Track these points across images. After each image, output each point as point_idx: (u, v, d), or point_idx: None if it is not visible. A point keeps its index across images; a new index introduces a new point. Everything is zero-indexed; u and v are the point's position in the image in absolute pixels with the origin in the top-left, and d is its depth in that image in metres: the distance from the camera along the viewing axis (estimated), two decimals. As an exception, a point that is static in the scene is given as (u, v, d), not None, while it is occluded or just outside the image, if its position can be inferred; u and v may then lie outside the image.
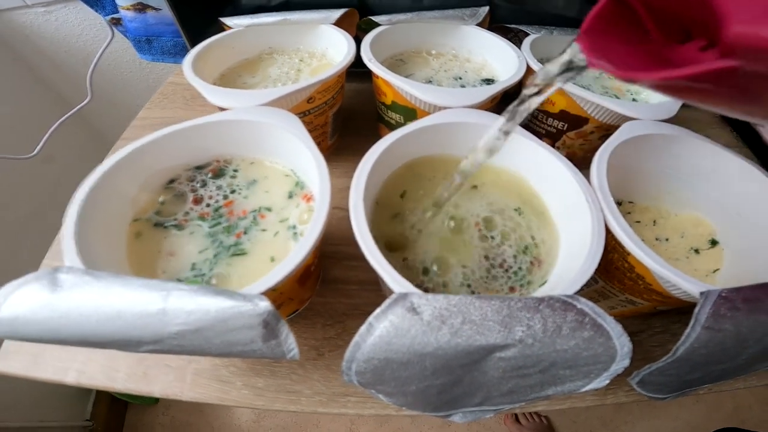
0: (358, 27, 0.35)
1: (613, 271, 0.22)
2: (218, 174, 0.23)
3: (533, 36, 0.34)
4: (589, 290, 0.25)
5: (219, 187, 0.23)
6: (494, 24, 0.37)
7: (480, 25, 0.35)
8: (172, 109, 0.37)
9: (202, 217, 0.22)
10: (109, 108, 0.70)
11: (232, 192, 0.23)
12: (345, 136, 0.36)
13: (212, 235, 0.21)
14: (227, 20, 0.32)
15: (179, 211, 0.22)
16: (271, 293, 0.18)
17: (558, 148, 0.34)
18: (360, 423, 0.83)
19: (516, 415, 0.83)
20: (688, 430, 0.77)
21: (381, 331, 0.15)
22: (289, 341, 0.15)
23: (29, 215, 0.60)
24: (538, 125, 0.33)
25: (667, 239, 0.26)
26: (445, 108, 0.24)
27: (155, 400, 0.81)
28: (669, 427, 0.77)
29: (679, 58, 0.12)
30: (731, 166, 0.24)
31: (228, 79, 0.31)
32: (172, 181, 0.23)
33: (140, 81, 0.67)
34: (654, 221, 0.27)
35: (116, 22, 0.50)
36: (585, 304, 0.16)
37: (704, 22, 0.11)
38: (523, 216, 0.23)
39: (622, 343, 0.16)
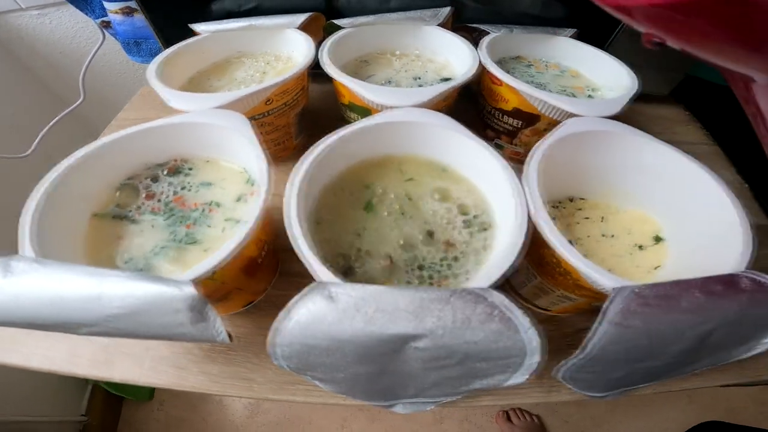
0: (324, 30, 0.36)
1: (546, 267, 0.22)
2: (174, 172, 0.25)
3: (493, 35, 0.34)
4: (530, 286, 0.25)
5: (170, 184, 0.24)
6: (458, 24, 0.38)
7: (443, 25, 0.36)
8: (148, 110, 0.39)
9: (153, 212, 0.23)
10: (101, 107, 0.73)
11: (183, 188, 0.24)
12: (313, 135, 0.37)
13: (164, 228, 0.22)
14: (196, 26, 0.34)
15: (133, 205, 0.23)
16: (211, 282, 0.19)
17: (516, 146, 0.35)
18: (352, 420, 0.85)
19: (507, 413, 0.83)
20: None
21: (299, 317, 0.16)
22: (217, 325, 0.17)
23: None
24: (496, 123, 0.34)
25: (613, 236, 0.26)
26: (391, 107, 0.26)
27: (150, 396, 0.83)
28: (661, 427, 0.76)
29: None
30: (675, 164, 0.25)
31: (196, 82, 0.33)
32: (130, 178, 0.24)
33: (132, 81, 0.69)
34: (602, 218, 0.27)
35: (106, 25, 0.53)
36: (496, 297, 0.16)
37: None
38: (462, 210, 0.24)
39: (530, 337, 0.16)
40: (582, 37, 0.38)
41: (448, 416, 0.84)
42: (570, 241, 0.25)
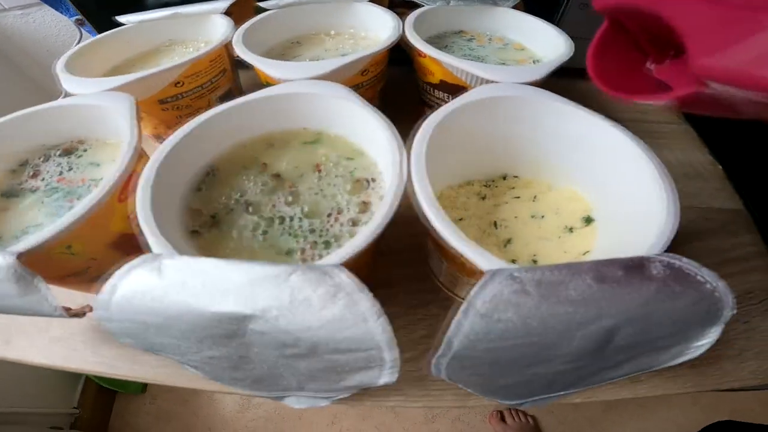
0: (255, 13, 0.35)
1: (444, 249, 0.21)
2: (67, 153, 0.25)
3: (425, 8, 0.33)
4: (444, 272, 0.24)
5: (59, 164, 0.24)
6: (398, 0, 0.36)
7: (378, 1, 0.34)
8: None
9: (34, 190, 0.23)
10: None
11: (70, 170, 0.24)
12: None
13: (47, 205, 0.22)
14: (121, 18, 0.34)
15: (23, 184, 0.23)
16: (70, 255, 0.18)
17: None
18: (342, 417, 0.84)
19: (502, 413, 0.81)
20: (681, 434, 0.71)
21: (124, 290, 0.15)
22: (49, 298, 0.16)
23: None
24: (429, 98, 0.32)
25: (543, 216, 0.24)
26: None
27: (142, 390, 0.86)
28: (660, 428, 0.71)
29: (670, 74, 0.14)
30: (602, 135, 0.22)
31: (121, 71, 0.33)
32: (25, 160, 0.24)
33: None
34: (534, 197, 0.25)
35: (81, 23, 0.54)
36: (343, 278, 0.14)
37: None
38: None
39: (379, 328, 0.14)
40: (530, 9, 0.35)
41: (441, 415, 0.82)
42: (495, 223, 0.24)
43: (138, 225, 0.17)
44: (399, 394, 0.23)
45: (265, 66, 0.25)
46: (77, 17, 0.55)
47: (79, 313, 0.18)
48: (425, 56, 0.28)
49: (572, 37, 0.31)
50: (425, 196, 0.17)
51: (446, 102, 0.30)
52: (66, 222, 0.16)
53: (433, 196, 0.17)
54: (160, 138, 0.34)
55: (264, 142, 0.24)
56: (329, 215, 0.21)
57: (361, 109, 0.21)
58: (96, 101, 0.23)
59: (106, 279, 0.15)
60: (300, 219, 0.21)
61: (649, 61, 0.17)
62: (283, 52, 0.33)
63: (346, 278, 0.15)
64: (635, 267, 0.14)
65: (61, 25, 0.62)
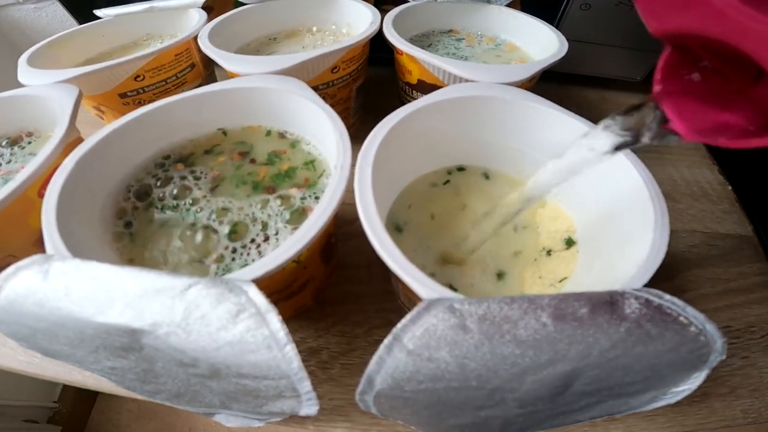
0: (234, 6, 0.35)
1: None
2: (14, 143, 0.24)
3: (409, 5, 0.31)
4: (400, 292, 0.21)
5: (1, 155, 0.23)
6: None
7: (362, -2, 0.33)
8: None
9: None
10: None
11: (9, 162, 0.23)
12: None
13: None
14: (99, 12, 0.34)
15: None
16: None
17: None
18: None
19: None
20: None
21: (7, 291, 0.14)
22: None
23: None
24: (408, 100, 0.30)
25: (524, 227, 0.22)
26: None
27: (126, 390, 0.85)
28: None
29: (757, 99, 0.11)
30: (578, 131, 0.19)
31: (90, 63, 0.32)
32: None
33: None
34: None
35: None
36: (252, 295, 0.12)
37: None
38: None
39: (286, 357, 0.12)
40: (529, 9, 0.33)
41: None
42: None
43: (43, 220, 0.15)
44: (346, 421, 0.20)
45: (224, 60, 0.24)
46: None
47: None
48: (402, 54, 0.27)
49: (572, 41, 0.29)
50: (365, 207, 0.15)
51: None
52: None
53: (375, 209, 0.15)
54: None
55: (210, 140, 0.23)
56: (252, 241, 0.18)
57: (313, 106, 0.19)
58: (42, 93, 0.22)
59: None
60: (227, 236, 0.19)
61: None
62: (258, 48, 0.32)
63: (254, 296, 0.13)
64: (605, 304, 0.12)
65: (69, 21, 0.64)
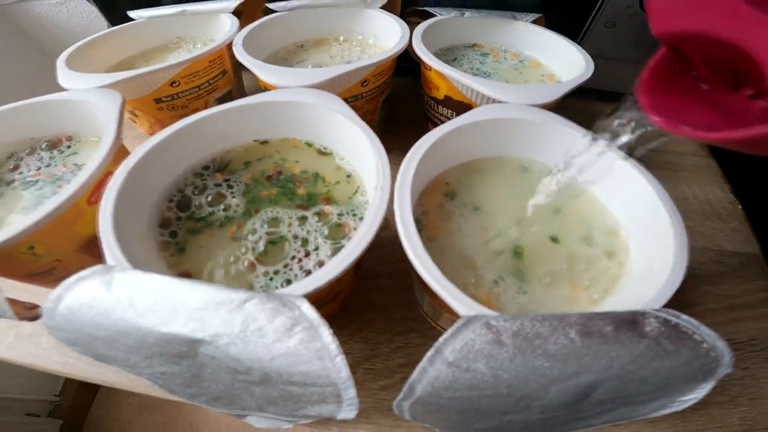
0: (264, 14, 0.36)
1: (425, 284, 0.19)
2: (54, 147, 0.25)
3: (437, 18, 0.32)
4: (426, 303, 0.22)
5: (41, 159, 0.24)
6: (410, 8, 0.35)
7: (389, 7, 0.34)
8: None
9: (12, 182, 0.23)
10: None
11: (48, 166, 0.24)
12: None
13: (21, 196, 0.22)
14: (132, 13, 0.35)
15: (3, 177, 0.24)
16: (28, 254, 0.18)
17: None
18: None
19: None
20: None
21: (69, 301, 0.15)
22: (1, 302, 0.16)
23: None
24: (433, 114, 0.31)
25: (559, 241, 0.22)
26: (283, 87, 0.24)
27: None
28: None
29: (732, 108, 0.13)
30: (616, 172, 0.20)
31: (124, 65, 0.34)
32: (12, 153, 0.25)
33: None
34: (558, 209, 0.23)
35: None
36: (304, 310, 0.13)
37: (755, 76, 0.12)
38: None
39: (336, 367, 0.13)
40: (553, 25, 0.34)
41: None
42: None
43: (100, 234, 0.16)
44: (368, 423, 0.21)
45: (260, 71, 0.25)
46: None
47: (28, 317, 0.17)
48: (431, 69, 0.28)
49: (594, 56, 0.30)
50: (406, 231, 0.16)
51: (450, 118, 0.29)
52: (25, 224, 0.16)
53: (415, 232, 0.16)
54: None
55: (247, 151, 0.24)
56: (293, 258, 0.19)
57: (351, 123, 0.20)
58: (85, 97, 0.23)
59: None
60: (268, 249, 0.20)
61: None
62: (287, 56, 0.33)
63: (306, 311, 0.14)
64: (627, 323, 0.13)
65: (92, 16, 0.65)
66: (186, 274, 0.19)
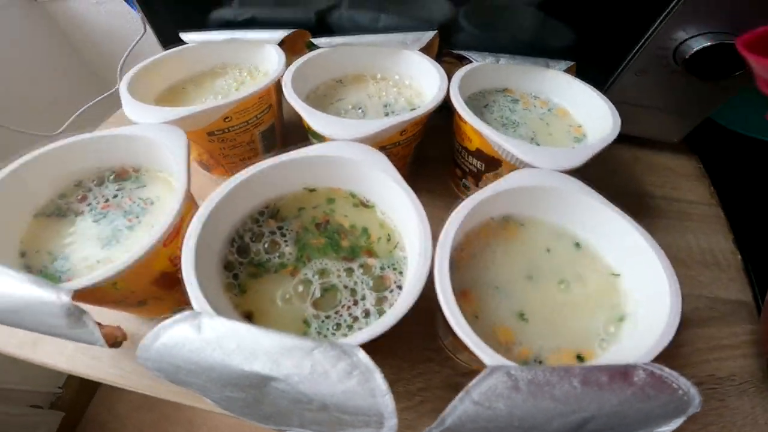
0: (307, 48, 0.38)
1: (453, 331, 0.22)
2: (121, 178, 0.28)
3: (473, 65, 0.34)
4: (448, 340, 0.26)
5: (108, 189, 0.28)
6: (446, 50, 0.38)
7: (427, 50, 0.36)
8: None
9: (84, 214, 0.26)
10: None
11: (115, 197, 0.27)
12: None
13: (95, 228, 0.26)
14: (185, 36, 0.38)
15: (72, 206, 0.27)
16: (114, 290, 0.21)
17: (481, 188, 0.34)
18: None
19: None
20: None
21: (166, 340, 0.18)
22: (95, 332, 0.19)
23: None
24: (462, 162, 0.34)
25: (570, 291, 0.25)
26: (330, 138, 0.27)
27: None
28: None
29: None
30: (627, 240, 0.23)
31: (175, 90, 0.36)
32: (78, 182, 0.28)
33: None
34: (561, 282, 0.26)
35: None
36: (361, 358, 0.17)
37: None
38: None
39: (385, 402, 0.17)
40: (582, 71, 0.37)
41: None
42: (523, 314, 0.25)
43: (182, 279, 0.20)
44: None
45: (312, 119, 0.28)
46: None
47: (116, 344, 0.21)
48: (466, 122, 0.30)
49: (620, 102, 0.32)
50: (445, 294, 0.20)
51: (479, 170, 0.32)
52: (116, 269, 0.20)
53: (452, 297, 0.20)
54: (202, 164, 0.37)
55: (297, 198, 0.27)
56: (343, 306, 0.23)
57: (395, 184, 0.24)
58: (152, 135, 0.27)
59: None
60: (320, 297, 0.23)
61: None
62: (326, 92, 0.36)
63: (363, 358, 0.17)
64: (620, 374, 0.17)
65: (128, 17, 0.68)
66: (249, 313, 0.22)
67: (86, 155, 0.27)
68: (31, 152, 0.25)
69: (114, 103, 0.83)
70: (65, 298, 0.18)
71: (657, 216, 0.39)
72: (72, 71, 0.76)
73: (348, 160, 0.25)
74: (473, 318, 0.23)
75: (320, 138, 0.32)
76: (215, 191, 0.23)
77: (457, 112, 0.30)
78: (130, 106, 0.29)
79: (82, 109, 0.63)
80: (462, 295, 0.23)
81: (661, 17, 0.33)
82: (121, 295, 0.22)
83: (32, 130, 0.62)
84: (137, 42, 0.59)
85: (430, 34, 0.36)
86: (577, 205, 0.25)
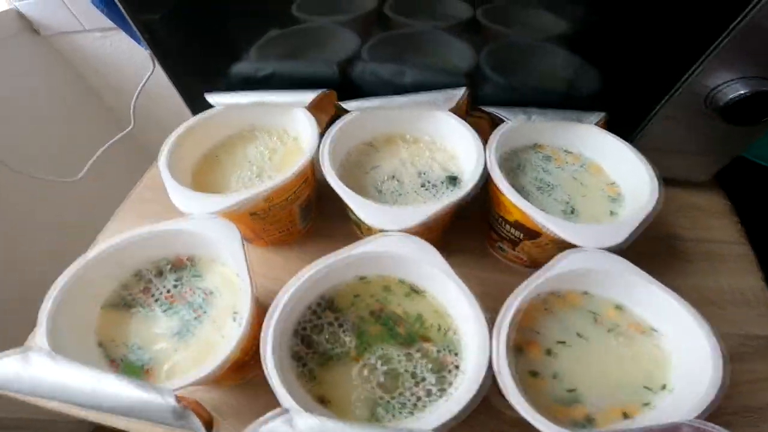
0: (336, 109, 0.39)
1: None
2: (178, 268, 0.30)
3: (505, 127, 0.35)
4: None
5: (168, 280, 0.30)
6: (476, 105, 0.39)
7: (457, 108, 0.37)
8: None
9: (149, 306, 0.29)
10: (151, 132, 0.81)
11: (175, 287, 0.29)
12: (319, 219, 0.42)
13: (165, 319, 0.28)
14: (210, 98, 0.38)
15: (138, 298, 0.29)
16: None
17: (518, 252, 0.36)
18: None
19: None
20: None
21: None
22: (198, 425, 0.21)
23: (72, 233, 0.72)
24: (499, 229, 0.35)
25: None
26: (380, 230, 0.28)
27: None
28: None
29: None
30: (672, 319, 0.26)
31: (209, 159, 0.38)
32: (136, 273, 0.30)
33: (181, 108, 0.76)
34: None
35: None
36: None
37: None
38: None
39: None
40: (612, 121, 0.37)
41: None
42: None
43: (269, 379, 0.23)
44: None
45: (359, 208, 0.29)
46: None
47: (210, 427, 0.23)
48: (505, 196, 0.31)
49: (651, 150, 0.34)
50: (507, 388, 0.22)
51: (519, 239, 0.34)
52: (206, 371, 0.23)
53: (512, 383, 0.22)
54: (244, 237, 0.38)
55: (351, 287, 0.29)
56: (407, 387, 0.25)
57: (455, 286, 0.26)
58: (206, 230, 0.28)
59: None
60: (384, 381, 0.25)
61: None
62: (359, 158, 0.37)
63: None
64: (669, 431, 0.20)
65: (135, 50, 0.67)
66: (322, 398, 0.25)
67: (144, 249, 0.29)
68: (95, 249, 0.28)
69: (130, 142, 0.84)
70: (171, 400, 0.20)
71: (687, 260, 0.40)
72: (81, 106, 0.76)
73: (400, 255, 0.27)
74: (530, 375, 0.25)
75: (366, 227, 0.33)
76: (282, 295, 0.25)
77: (498, 187, 0.31)
78: (177, 195, 0.31)
79: (99, 152, 0.64)
80: (516, 350, 0.26)
81: (696, 65, 0.33)
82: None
83: (50, 176, 0.63)
84: (147, 79, 0.59)
85: (459, 92, 0.37)
86: (624, 282, 0.27)
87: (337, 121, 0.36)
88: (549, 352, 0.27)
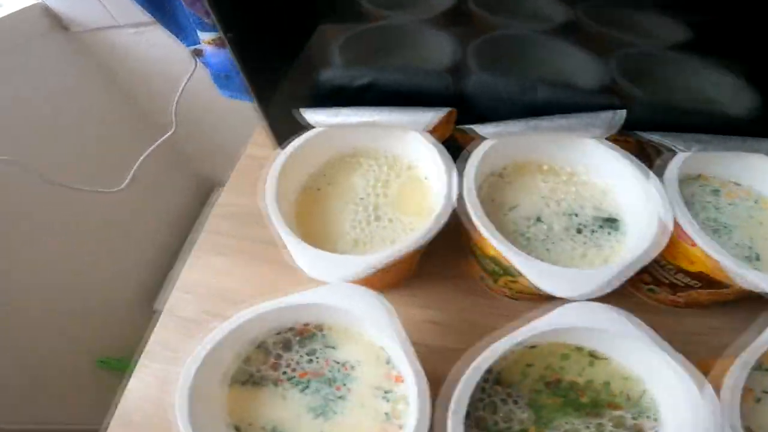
0: (454, 130, 0.33)
1: None
2: (305, 337, 0.26)
3: (678, 160, 0.30)
4: None
5: (298, 353, 0.26)
6: (626, 130, 0.33)
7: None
8: (247, 196, 0.39)
9: (280, 382, 0.25)
10: (193, 135, 0.75)
11: (310, 362, 0.26)
12: (430, 254, 0.36)
13: (301, 396, 0.25)
14: (308, 115, 0.32)
15: (267, 374, 0.25)
16: None
17: (679, 296, 0.31)
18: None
19: None
20: None
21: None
22: None
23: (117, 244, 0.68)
24: (661, 274, 0.31)
25: None
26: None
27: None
28: None
29: None
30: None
31: (309, 192, 0.32)
32: (260, 344, 0.26)
33: (224, 110, 0.68)
34: None
35: (198, 53, 0.53)
36: None
37: None
38: None
39: None
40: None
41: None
42: None
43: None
44: None
45: (530, 272, 0.24)
46: (196, 47, 0.54)
47: None
48: (694, 245, 0.26)
49: None
50: None
51: (690, 287, 0.30)
52: None
53: None
54: None
55: (520, 356, 0.25)
56: None
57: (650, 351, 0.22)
58: (350, 306, 0.24)
59: None
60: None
61: None
62: (492, 194, 0.31)
63: None
64: None
65: (173, 47, 0.61)
66: None
67: (267, 321, 0.25)
68: (220, 329, 0.24)
69: (169, 148, 0.78)
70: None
71: None
72: (115, 108, 0.70)
73: (587, 328, 0.23)
74: None
75: (505, 270, 0.28)
76: (453, 383, 0.22)
77: (689, 236, 0.26)
78: (303, 258, 0.26)
79: (141, 158, 0.59)
80: None
81: None
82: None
83: (92, 186, 0.58)
84: (189, 78, 0.54)
85: (620, 115, 0.31)
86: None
87: (474, 152, 0.30)
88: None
